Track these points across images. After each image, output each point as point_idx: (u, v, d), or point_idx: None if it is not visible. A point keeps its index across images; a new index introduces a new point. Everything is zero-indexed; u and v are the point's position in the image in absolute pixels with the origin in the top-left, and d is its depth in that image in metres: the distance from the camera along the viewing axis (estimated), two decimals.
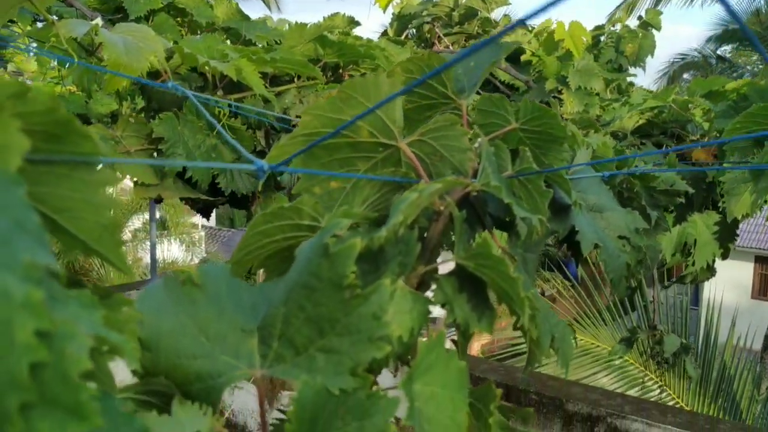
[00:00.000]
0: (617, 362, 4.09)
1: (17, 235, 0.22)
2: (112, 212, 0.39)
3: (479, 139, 0.66)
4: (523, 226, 0.58)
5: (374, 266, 0.48)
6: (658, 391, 4.21)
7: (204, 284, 0.46)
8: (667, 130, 1.53)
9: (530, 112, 0.67)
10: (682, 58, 14.00)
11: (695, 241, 1.55)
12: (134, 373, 0.43)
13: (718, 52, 13.65)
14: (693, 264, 1.57)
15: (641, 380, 4.04)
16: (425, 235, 0.58)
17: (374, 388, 0.42)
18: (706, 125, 1.59)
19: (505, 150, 0.64)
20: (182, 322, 0.44)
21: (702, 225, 1.56)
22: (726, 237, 1.58)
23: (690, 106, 1.55)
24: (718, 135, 1.44)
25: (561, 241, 0.85)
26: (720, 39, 13.04)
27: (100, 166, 0.38)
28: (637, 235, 0.82)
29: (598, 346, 4.18)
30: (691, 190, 1.12)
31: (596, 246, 0.78)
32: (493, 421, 0.48)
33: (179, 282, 0.46)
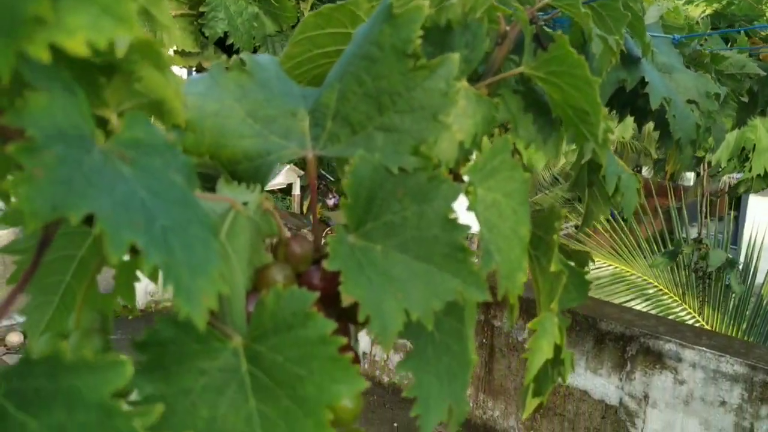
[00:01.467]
0: (651, 291, 4.03)
1: None
2: None
3: None
4: (598, 44, 0.52)
5: (439, 50, 0.43)
6: (692, 322, 4.16)
7: (252, 71, 0.42)
8: (734, 24, 1.42)
9: None
10: None
11: (754, 146, 1.47)
12: None
13: None
14: (750, 170, 1.50)
15: (675, 310, 3.99)
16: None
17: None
18: None
19: None
20: (229, 105, 0.40)
21: (763, 129, 1.47)
22: None
23: None
24: None
25: (624, 104, 0.79)
26: None
27: None
28: (708, 100, 0.76)
29: (633, 274, 4.13)
30: (763, 72, 1.04)
31: (663, 104, 0.72)
32: (556, 239, 0.45)
33: (226, 69, 0.42)
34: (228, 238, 0.34)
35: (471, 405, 3.00)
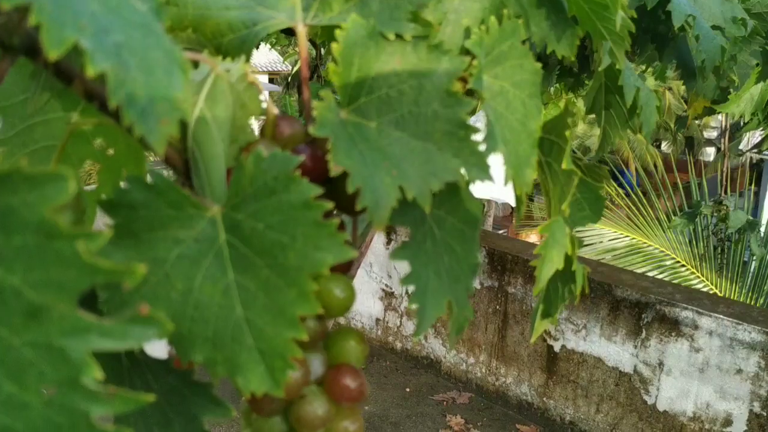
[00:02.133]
0: (668, 263, 3.98)
1: None
2: None
3: None
4: None
5: None
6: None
7: None
8: None
9: None
10: None
11: None
12: None
13: None
14: None
15: (692, 282, 3.93)
16: None
17: None
18: None
19: None
20: None
21: None
22: None
23: None
24: None
25: (644, 30, 0.75)
26: None
27: None
28: (734, 25, 0.72)
29: (650, 245, 4.06)
30: None
31: (686, 26, 0.68)
32: (569, 135, 0.42)
33: None
34: (207, 103, 0.31)
35: (483, 371, 2.99)
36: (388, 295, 3.27)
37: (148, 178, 0.28)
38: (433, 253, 0.37)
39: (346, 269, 0.35)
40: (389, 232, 3.16)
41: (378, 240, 3.24)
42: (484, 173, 0.33)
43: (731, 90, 1.01)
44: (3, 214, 0.20)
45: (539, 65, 0.41)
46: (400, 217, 0.35)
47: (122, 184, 0.28)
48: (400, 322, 3.26)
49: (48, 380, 0.21)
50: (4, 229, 0.20)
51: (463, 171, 0.33)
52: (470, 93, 0.42)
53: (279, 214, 0.28)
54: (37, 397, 0.21)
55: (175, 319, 0.29)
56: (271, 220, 0.28)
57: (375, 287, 3.31)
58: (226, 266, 0.29)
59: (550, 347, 2.73)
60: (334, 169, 0.30)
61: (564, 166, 0.41)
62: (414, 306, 0.35)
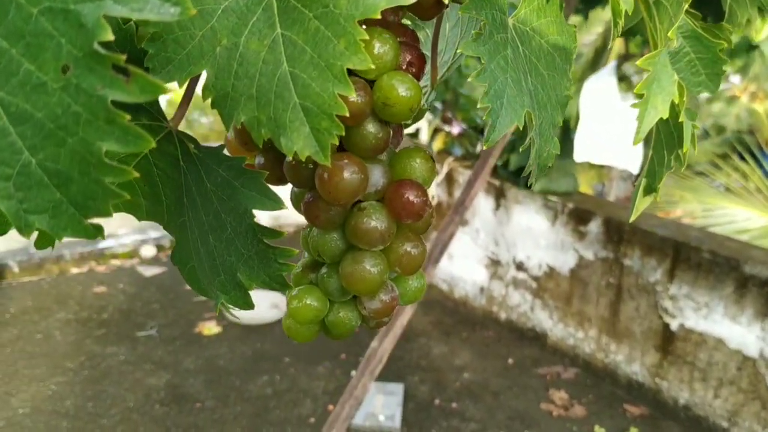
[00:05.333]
0: None
1: None
2: None
3: None
4: None
5: None
6: None
7: None
8: None
9: None
10: None
11: None
12: None
13: None
14: None
15: None
16: None
17: None
18: None
19: None
20: None
21: None
22: None
23: None
24: None
25: None
26: None
27: None
28: None
29: None
30: None
31: None
32: None
33: None
34: None
35: (593, 347, 2.86)
36: (493, 263, 3.20)
37: None
38: (514, 63, 0.34)
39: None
40: (498, 196, 3.08)
41: (486, 206, 3.17)
42: None
43: None
44: None
45: None
46: (476, 7, 0.31)
47: None
48: (506, 291, 3.18)
49: (64, 55, 0.20)
50: None
51: None
52: None
53: None
54: (55, 78, 0.20)
55: (219, 76, 0.27)
56: None
57: (481, 254, 3.25)
58: (273, 20, 0.27)
59: (667, 325, 2.56)
60: None
61: None
62: (484, 105, 0.31)
